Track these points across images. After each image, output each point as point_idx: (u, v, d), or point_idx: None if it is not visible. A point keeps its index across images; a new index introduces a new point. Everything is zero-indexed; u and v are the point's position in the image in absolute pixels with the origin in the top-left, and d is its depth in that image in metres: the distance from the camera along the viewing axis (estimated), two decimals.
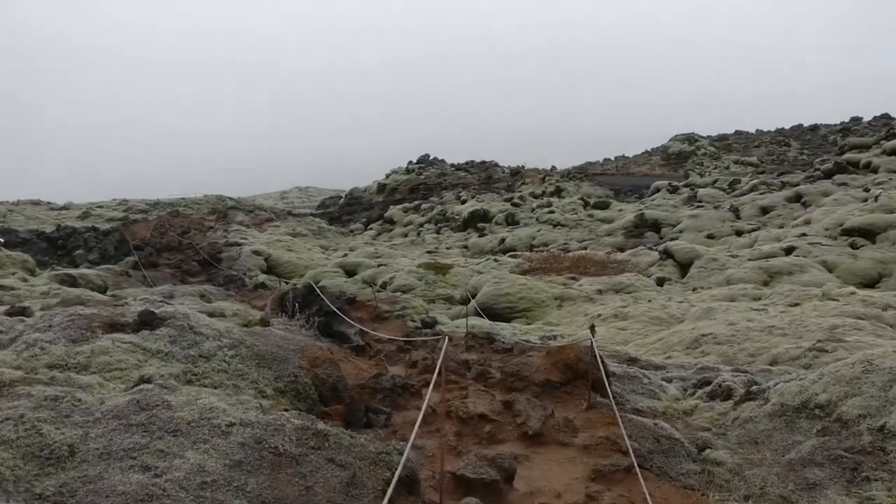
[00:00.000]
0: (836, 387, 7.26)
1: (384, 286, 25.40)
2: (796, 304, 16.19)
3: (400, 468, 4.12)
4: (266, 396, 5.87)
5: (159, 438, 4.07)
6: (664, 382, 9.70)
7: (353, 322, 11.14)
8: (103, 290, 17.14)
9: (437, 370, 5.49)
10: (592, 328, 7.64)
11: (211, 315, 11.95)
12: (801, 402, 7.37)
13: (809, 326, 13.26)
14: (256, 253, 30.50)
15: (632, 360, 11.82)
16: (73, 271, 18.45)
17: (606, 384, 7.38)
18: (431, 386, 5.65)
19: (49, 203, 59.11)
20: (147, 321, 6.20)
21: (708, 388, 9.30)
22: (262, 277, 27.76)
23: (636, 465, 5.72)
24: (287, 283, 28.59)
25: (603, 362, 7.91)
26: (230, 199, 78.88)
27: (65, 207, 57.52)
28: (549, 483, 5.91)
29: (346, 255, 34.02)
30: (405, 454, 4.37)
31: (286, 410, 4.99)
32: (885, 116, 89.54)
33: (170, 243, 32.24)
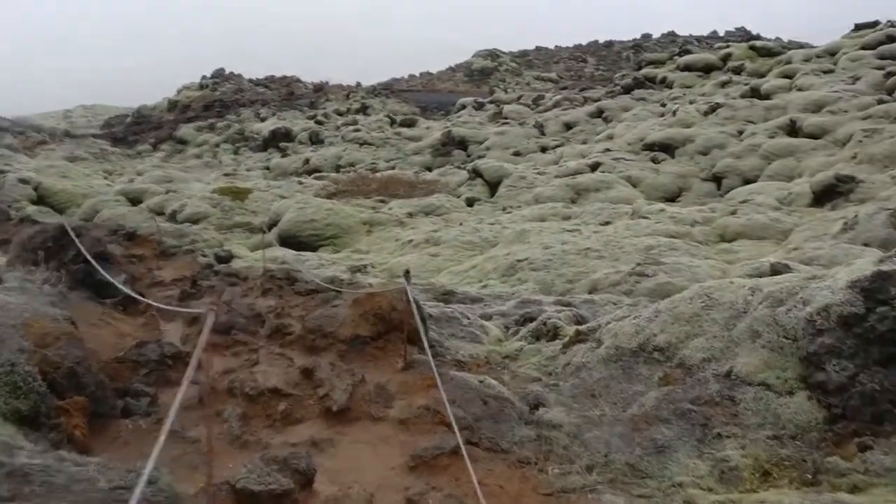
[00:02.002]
0: (676, 326, 6.53)
1: (174, 215, 23.00)
2: (608, 223, 15.93)
3: None
4: None
5: None
6: (485, 322, 8.75)
7: (120, 269, 9.31)
8: None
9: (198, 348, 4.04)
10: (407, 273, 6.43)
11: None
12: (639, 345, 6.59)
13: (625, 248, 12.88)
14: (24, 181, 26.73)
15: (448, 294, 10.85)
16: None
17: (424, 338, 6.22)
18: (192, 366, 4.23)
19: None
20: None
21: (532, 326, 8.45)
22: (30, 210, 24.32)
23: (462, 445, 4.63)
24: (62, 214, 25.39)
25: (420, 310, 6.75)
26: (2, 118, 70.10)
27: None
28: (360, 477, 4.70)
29: (132, 180, 30.79)
30: (140, 486, 2.98)
31: None
32: (672, 34, 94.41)
33: None
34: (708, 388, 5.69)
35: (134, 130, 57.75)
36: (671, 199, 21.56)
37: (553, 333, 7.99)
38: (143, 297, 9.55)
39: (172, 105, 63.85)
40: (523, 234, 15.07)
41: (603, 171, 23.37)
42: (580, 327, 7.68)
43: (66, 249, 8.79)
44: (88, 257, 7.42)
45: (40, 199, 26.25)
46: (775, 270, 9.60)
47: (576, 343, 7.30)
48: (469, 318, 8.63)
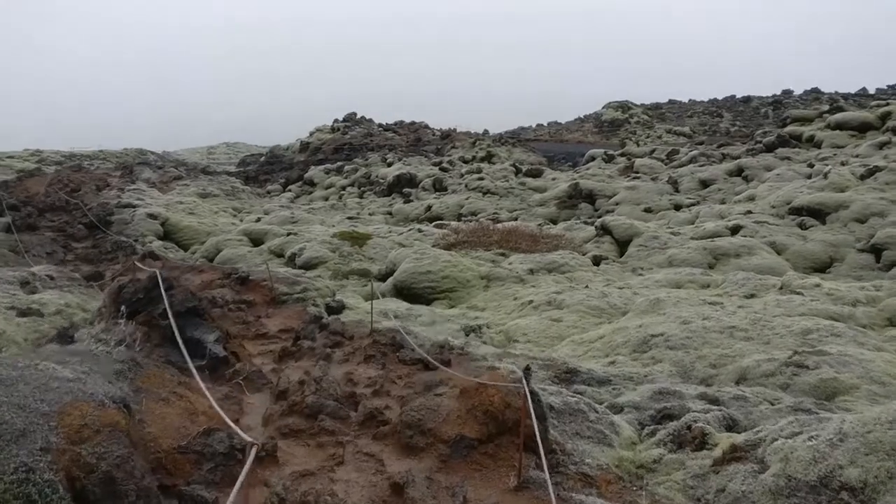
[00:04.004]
0: (872, 459, 5.04)
1: (293, 258, 22.71)
2: (753, 296, 14.22)
3: None
4: None
5: None
6: (615, 417, 7.42)
7: (214, 325, 8.60)
8: None
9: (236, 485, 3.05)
10: (527, 370, 5.25)
11: (23, 314, 9.18)
12: (819, 478, 5.14)
13: (776, 329, 11.22)
14: (152, 216, 27.29)
15: (571, 373, 9.55)
16: None
17: (542, 447, 5.02)
18: (239, 482, 3.25)
19: None
20: None
21: (672, 427, 7.06)
22: (156, 244, 24.68)
23: None
24: (186, 251, 25.67)
25: (540, 409, 5.55)
26: (152, 153, 74.40)
27: None
28: None
29: (259, 219, 31.06)
30: None
31: None
32: (815, 91, 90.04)
33: (55, 203, 28.70)
34: None
35: (266, 170, 59.38)
36: (821, 269, 19.44)
37: (700, 441, 6.59)
38: (237, 357, 8.80)
39: (304, 146, 65.47)
40: (657, 303, 13.57)
41: (744, 235, 21.46)
42: (736, 439, 6.25)
43: (157, 302, 8.11)
44: (170, 318, 6.64)
45: (166, 235, 26.69)
46: None
47: (731, 461, 5.90)
48: (596, 412, 7.33)
